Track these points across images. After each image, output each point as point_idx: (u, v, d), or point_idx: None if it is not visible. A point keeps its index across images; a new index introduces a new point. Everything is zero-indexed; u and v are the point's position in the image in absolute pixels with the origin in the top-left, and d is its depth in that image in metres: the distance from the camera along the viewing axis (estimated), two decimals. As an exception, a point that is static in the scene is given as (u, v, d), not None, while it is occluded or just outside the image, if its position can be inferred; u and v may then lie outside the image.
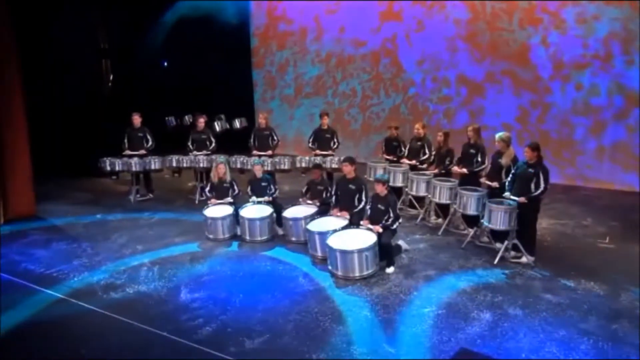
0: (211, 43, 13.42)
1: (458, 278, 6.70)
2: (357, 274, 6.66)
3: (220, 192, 8.55)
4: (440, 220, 8.61)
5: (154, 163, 9.95)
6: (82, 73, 11.73)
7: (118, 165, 9.82)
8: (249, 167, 9.39)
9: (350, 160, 7.65)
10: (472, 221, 7.84)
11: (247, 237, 8.04)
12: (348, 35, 12.70)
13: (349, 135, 12.74)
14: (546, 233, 8.13)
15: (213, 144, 10.22)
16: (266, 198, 8.33)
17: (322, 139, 9.77)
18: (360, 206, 7.48)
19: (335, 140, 9.83)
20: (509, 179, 7.25)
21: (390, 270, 6.88)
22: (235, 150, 10.06)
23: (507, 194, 7.14)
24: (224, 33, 13.29)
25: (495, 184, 7.47)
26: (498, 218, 6.98)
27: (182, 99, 13.02)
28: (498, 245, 7.36)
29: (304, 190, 8.48)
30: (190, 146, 10.19)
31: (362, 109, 12.85)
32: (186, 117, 11.95)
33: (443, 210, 8.54)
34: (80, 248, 7.91)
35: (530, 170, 6.94)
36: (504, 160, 7.48)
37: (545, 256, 7.23)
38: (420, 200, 8.96)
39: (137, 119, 10.14)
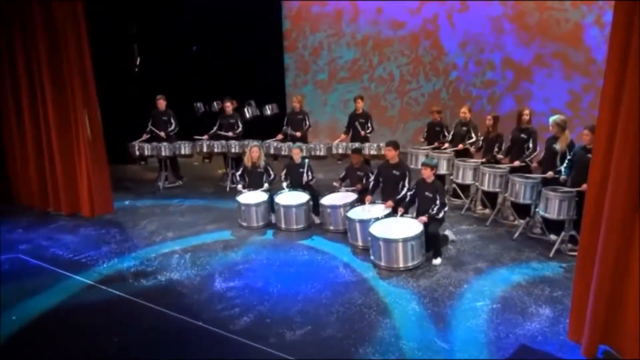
0: (241, 27, 13.07)
1: (511, 271, 6.25)
2: (401, 264, 6.25)
3: (253, 177, 8.19)
4: (487, 210, 8.13)
5: (184, 148, 9.69)
6: (111, 58, 11.51)
7: (147, 149, 9.58)
8: (283, 153, 9.13)
9: (394, 144, 7.19)
10: (524, 211, 7.35)
11: (283, 225, 7.69)
12: (386, 16, 12.13)
13: (385, 122, 12.23)
14: (604, 224, 7.59)
15: (240, 128, 9.93)
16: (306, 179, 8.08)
17: (357, 124, 9.47)
18: (403, 192, 7.04)
19: (370, 125, 9.52)
20: (564, 165, 6.72)
21: (437, 261, 6.46)
22: (266, 137, 9.75)
23: (563, 177, 6.63)
24: (254, 16, 12.94)
25: (550, 174, 6.88)
26: (555, 207, 6.46)
27: (212, 84, 12.72)
28: (552, 237, 6.89)
29: (341, 175, 8.13)
30: (215, 128, 9.95)
31: (400, 94, 12.31)
32: (215, 103, 11.69)
33: (490, 199, 8.04)
34: (109, 234, 7.70)
35: (590, 155, 6.36)
36: (559, 146, 6.92)
37: (606, 249, 6.72)
38: (465, 189, 8.49)
39: (161, 102, 9.90)
